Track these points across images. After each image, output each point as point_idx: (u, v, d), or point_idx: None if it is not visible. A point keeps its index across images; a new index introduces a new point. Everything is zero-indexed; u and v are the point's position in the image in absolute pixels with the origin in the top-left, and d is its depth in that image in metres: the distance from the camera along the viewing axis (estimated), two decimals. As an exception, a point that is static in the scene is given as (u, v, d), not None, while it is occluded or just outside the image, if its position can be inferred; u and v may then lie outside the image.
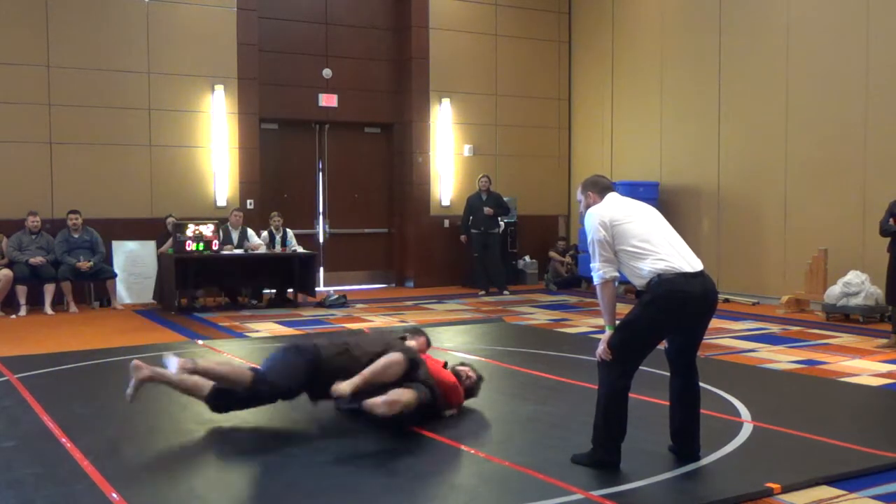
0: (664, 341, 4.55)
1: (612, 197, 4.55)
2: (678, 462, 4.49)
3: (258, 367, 5.13)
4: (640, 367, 4.45)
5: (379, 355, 5.19)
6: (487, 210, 13.07)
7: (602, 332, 4.46)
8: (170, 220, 11.33)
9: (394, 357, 5.05)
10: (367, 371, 4.96)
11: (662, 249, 4.30)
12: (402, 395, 4.88)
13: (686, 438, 4.59)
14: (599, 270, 4.31)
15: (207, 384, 5.10)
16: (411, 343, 5.65)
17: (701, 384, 4.65)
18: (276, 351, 5.29)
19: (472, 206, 13.23)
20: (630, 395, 4.42)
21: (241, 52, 12.62)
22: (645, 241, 4.30)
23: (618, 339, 4.33)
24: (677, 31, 13.15)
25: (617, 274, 4.33)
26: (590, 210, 4.46)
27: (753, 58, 11.88)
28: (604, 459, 4.39)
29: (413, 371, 5.12)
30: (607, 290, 4.32)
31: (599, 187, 4.59)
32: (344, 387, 4.82)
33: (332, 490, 4.16)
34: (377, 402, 4.75)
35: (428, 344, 5.90)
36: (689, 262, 4.34)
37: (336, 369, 5.10)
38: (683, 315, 4.33)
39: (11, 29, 11.35)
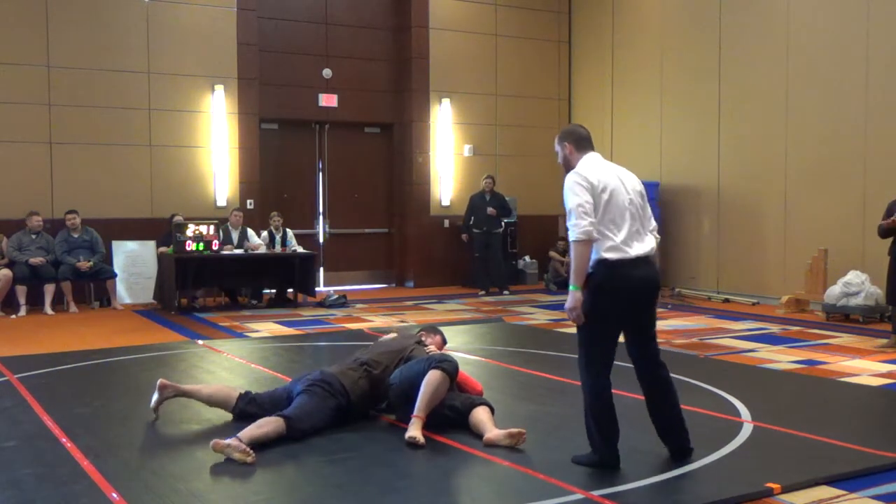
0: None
1: (592, 158, 4.47)
2: (678, 462, 4.49)
3: (285, 413, 4.94)
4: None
5: (398, 365, 5.22)
6: (490, 210, 13.07)
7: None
8: (177, 218, 11.31)
9: (435, 379, 4.93)
10: (421, 405, 4.90)
11: (621, 235, 4.27)
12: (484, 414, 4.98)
13: (671, 435, 4.56)
14: (584, 227, 4.19)
15: (233, 395, 5.26)
16: (427, 341, 5.65)
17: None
18: (306, 391, 5.09)
19: (475, 206, 13.23)
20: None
21: (241, 52, 12.62)
22: (612, 222, 4.27)
23: (581, 336, 4.35)
24: (677, 31, 13.15)
25: (597, 236, 4.23)
26: (575, 171, 4.39)
27: (753, 58, 11.88)
28: (603, 461, 4.38)
29: (454, 380, 5.11)
30: (585, 250, 4.20)
31: (576, 138, 4.53)
32: (417, 436, 4.76)
33: (332, 490, 4.16)
34: (500, 438, 4.76)
35: (444, 342, 5.89)
36: (640, 246, 4.32)
37: (361, 397, 5.17)
38: (627, 301, 4.31)
39: (11, 29, 11.35)
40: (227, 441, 4.54)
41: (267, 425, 4.77)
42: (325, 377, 5.17)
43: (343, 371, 5.24)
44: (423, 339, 5.68)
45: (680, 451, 4.55)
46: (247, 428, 4.71)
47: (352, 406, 5.16)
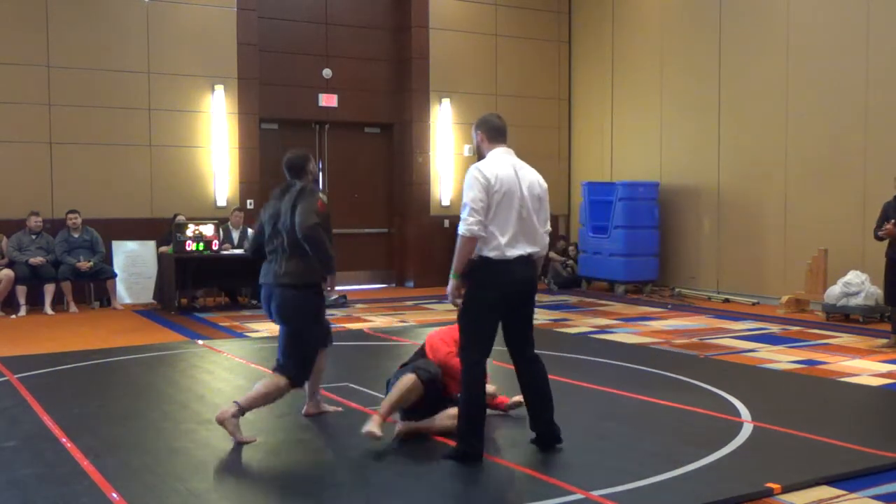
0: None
1: (497, 154, 4.68)
2: (678, 462, 4.49)
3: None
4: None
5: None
6: None
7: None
8: (179, 218, 11.29)
9: (405, 382, 4.92)
10: (385, 403, 4.92)
11: (504, 235, 4.50)
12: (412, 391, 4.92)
13: (540, 422, 4.75)
14: (471, 226, 4.45)
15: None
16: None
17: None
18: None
19: None
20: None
21: (241, 52, 12.62)
22: (499, 222, 4.50)
23: (461, 325, 4.61)
24: (677, 31, 13.15)
25: (484, 235, 4.47)
26: (476, 167, 4.59)
27: (753, 57, 11.88)
28: (468, 453, 4.49)
29: (430, 385, 5.04)
30: (468, 246, 4.48)
31: (489, 128, 4.76)
32: (373, 430, 4.72)
33: (331, 490, 4.16)
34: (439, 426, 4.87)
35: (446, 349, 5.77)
36: (523, 247, 4.56)
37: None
38: (504, 298, 4.55)
39: (11, 29, 11.35)
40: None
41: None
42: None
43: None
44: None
45: (546, 436, 4.73)
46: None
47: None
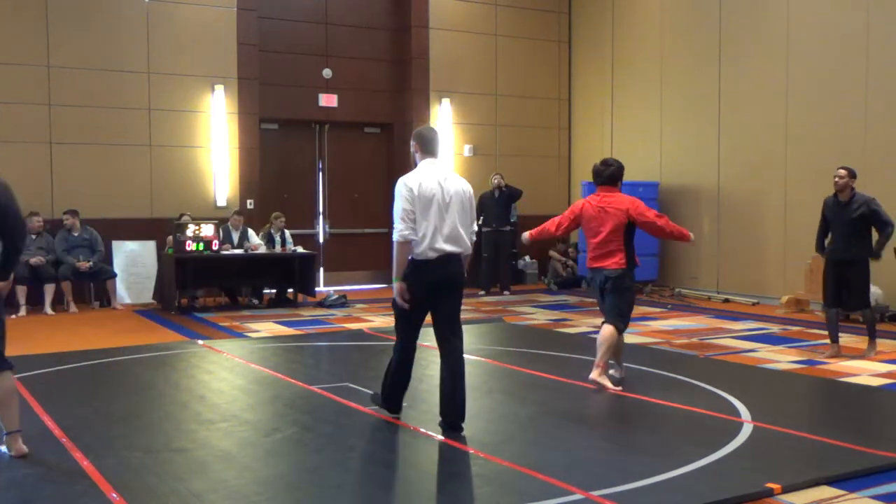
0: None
1: (424, 166, 5.21)
2: (678, 462, 4.49)
3: None
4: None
5: None
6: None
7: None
8: (185, 218, 11.27)
9: (608, 336, 6.26)
10: (600, 360, 6.28)
11: (427, 238, 5.05)
12: None
13: (447, 410, 5.12)
14: (402, 231, 5.04)
15: None
16: None
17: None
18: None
19: (485, 206, 13.19)
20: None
21: (241, 52, 12.62)
22: (425, 226, 5.04)
23: (395, 313, 5.25)
24: (677, 31, 13.15)
25: (416, 237, 5.03)
26: (402, 179, 5.14)
27: (753, 58, 11.88)
28: (387, 406, 5.39)
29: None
30: (403, 250, 5.07)
31: (422, 140, 5.29)
32: (605, 382, 6.12)
33: (331, 489, 4.16)
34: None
35: None
36: (447, 246, 5.08)
37: None
38: (429, 291, 5.10)
39: (11, 29, 11.35)
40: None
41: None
42: None
43: None
44: None
45: (450, 426, 5.10)
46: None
47: None
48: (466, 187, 5.26)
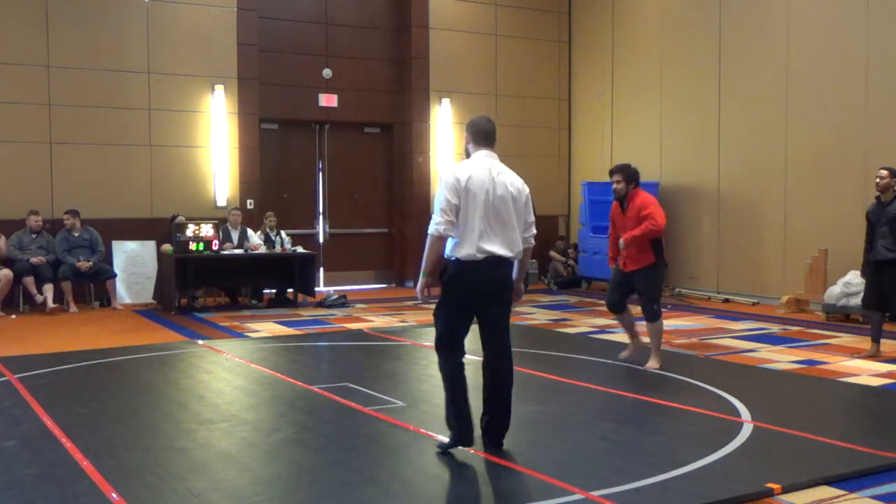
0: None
1: (477, 158, 4.71)
2: (678, 462, 4.49)
3: None
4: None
5: None
6: None
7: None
8: (179, 219, 11.28)
9: (660, 329, 7.32)
10: (654, 350, 7.15)
11: (474, 237, 4.56)
12: None
13: (491, 426, 4.77)
14: (439, 225, 4.58)
15: None
16: None
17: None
18: None
19: None
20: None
21: (241, 52, 12.62)
22: (471, 223, 4.56)
23: (435, 322, 4.73)
24: (677, 31, 13.14)
25: (453, 234, 4.58)
26: (450, 168, 4.70)
27: (753, 58, 11.88)
28: (460, 441, 4.66)
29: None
30: (436, 245, 4.61)
31: (475, 131, 4.78)
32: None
33: (331, 490, 4.16)
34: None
35: None
36: (495, 248, 4.59)
37: None
38: (474, 298, 4.65)
39: (11, 29, 11.35)
40: None
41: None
42: None
43: None
44: None
45: (492, 442, 4.76)
46: None
47: None
48: (522, 184, 4.75)
